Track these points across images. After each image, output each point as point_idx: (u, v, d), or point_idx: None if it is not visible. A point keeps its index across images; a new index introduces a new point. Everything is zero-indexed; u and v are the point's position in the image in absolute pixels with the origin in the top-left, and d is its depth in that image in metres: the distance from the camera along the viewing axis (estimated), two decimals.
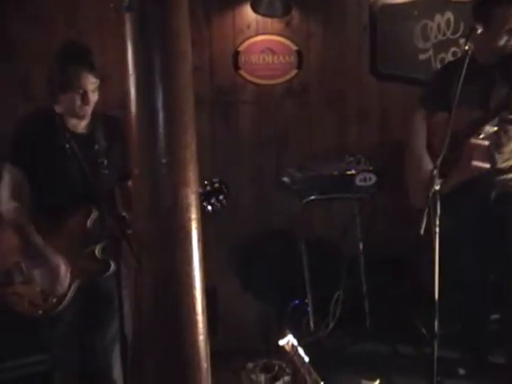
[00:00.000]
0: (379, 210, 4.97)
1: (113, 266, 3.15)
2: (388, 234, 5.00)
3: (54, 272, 3.07)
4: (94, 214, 3.14)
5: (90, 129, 3.24)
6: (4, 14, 4.54)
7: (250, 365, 4.56)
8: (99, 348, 3.31)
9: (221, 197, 3.33)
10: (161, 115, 2.58)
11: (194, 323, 2.70)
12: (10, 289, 3.12)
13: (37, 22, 4.61)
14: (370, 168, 4.71)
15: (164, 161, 2.57)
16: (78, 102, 3.10)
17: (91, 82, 3.09)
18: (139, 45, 2.61)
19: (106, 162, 3.14)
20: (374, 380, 3.84)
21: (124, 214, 3.21)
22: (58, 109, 3.17)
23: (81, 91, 3.08)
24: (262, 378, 4.40)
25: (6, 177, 3.16)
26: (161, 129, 2.58)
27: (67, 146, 3.11)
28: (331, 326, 4.66)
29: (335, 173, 4.70)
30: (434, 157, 3.67)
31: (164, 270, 2.63)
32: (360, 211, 4.83)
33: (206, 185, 3.34)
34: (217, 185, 3.33)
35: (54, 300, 3.12)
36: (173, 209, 2.58)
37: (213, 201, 3.31)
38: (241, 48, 4.99)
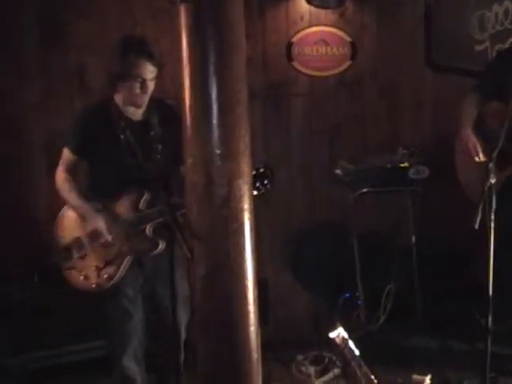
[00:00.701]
0: (432, 203, 4.91)
1: (161, 246, 3.26)
2: (441, 227, 4.93)
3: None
4: (147, 196, 3.26)
5: (147, 116, 3.36)
6: (60, 6, 4.62)
7: (300, 357, 4.57)
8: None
9: (265, 181, 3.36)
10: (215, 106, 2.60)
11: (246, 314, 2.72)
12: (68, 263, 3.34)
13: (92, 13, 4.68)
14: (424, 161, 4.65)
15: (218, 151, 2.59)
16: (137, 91, 3.23)
17: (150, 71, 3.21)
18: (194, 36, 2.62)
19: (160, 148, 3.27)
20: (426, 375, 3.80)
21: (179, 201, 3.27)
22: (117, 98, 3.31)
23: (139, 80, 3.20)
24: (312, 370, 4.40)
25: (63, 160, 3.39)
26: (215, 120, 2.60)
27: (122, 134, 3.25)
28: (382, 319, 4.63)
29: (388, 165, 4.65)
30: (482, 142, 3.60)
31: (216, 260, 2.64)
32: (413, 204, 4.77)
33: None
34: (262, 169, 3.37)
35: (106, 276, 3.29)
36: (226, 199, 2.60)
37: (258, 184, 3.34)
38: (294, 39, 4.98)
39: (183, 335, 3.46)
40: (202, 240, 2.63)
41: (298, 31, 4.98)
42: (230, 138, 2.61)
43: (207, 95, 2.59)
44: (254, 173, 3.29)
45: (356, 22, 5.08)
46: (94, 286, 3.34)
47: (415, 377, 3.81)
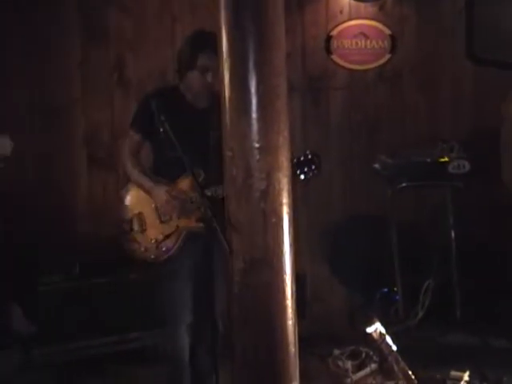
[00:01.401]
0: (473, 198, 4.85)
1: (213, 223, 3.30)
2: (481, 222, 4.88)
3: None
4: (202, 177, 3.41)
5: (209, 104, 3.49)
6: (100, 0, 4.66)
7: (337, 351, 4.56)
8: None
9: (313, 166, 3.49)
10: (254, 100, 2.60)
11: (284, 308, 2.72)
12: (130, 235, 3.54)
13: (131, 8, 4.72)
14: (464, 155, 4.60)
15: (257, 145, 2.59)
16: (202, 80, 3.44)
17: (213, 61, 3.28)
18: (233, 30, 2.63)
19: (217, 135, 3.29)
20: (464, 371, 3.78)
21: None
22: (183, 86, 3.55)
23: (206, 70, 3.42)
24: (349, 364, 4.39)
25: (128, 140, 3.63)
26: (254, 114, 2.60)
27: (184, 120, 3.45)
28: (420, 315, 4.60)
29: (427, 160, 4.61)
30: None
31: (255, 253, 2.65)
32: (452, 199, 4.73)
33: (299, 155, 3.53)
34: (309, 156, 3.49)
35: (164, 248, 3.49)
36: (265, 193, 2.60)
37: (305, 169, 3.47)
38: (333, 33, 4.96)
39: (220, 328, 3.49)
40: (241, 233, 2.64)
41: (338, 25, 4.97)
42: (269, 132, 2.61)
43: (246, 89, 2.60)
44: (301, 158, 3.48)
45: (395, 15, 5.04)
46: (152, 257, 3.53)
47: (453, 373, 3.79)
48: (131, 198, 3.62)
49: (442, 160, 4.57)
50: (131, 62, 4.73)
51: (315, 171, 3.49)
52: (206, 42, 3.38)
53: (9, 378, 4.22)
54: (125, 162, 3.63)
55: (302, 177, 3.49)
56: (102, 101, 4.72)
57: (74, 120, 4.70)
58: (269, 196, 2.61)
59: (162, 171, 3.55)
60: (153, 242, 3.50)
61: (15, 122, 4.57)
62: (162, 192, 3.46)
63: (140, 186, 3.56)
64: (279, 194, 2.64)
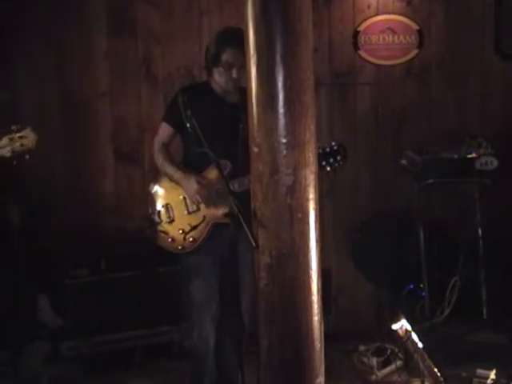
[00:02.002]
0: (500, 195, 4.80)
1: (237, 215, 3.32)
2: (509, 219, 4.83)
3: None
4: (229, 169, 3.48)
5: (239, 99, 3.48)
6: None
7: (362, 347, 4.57)
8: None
9: (338, 157, 3.52)
10: (281, 95, 2.60)
11: (310, 303, 2.72)
12: (158, 227, 3.63)
13: (159, 3, 4.73)
14: (492, 152, 4.55)
15: (283, 140, 2.59)
16: (228, 76, 3.51)
17: (238, 57, 3.42)
18: (261, 25, 2.63)
19: (245, 129, 3.33)
20: (491, 370, 3.74)
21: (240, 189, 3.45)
22: (213, 81, 3.62)
23: (230, 66, 3.49)
24: (374, 361, 4.39)
25: (159, 133, 3.72)
26: (281, 109, 2.60)
27: (214, 114, 3.54)
28: (446, 312, 4.55)
29: (455, 156, 4.57)
30: None
31: (281, 249, 2.65)
32: (480, 196, 4.68)
33: (325, 146, 3.57)
34: (336, 147, 3.53)
35: (191, 239, 3.57)
36: (291, 188, 2.60)
37: (331, 161, 3.50)
38: (360, 28, 4.93)
39: (246, 322, 3.50)
40: (267, 229, 2.64)
41: (365, 20, 4.93)
42: (296, 127, 2.61)
43: (273, 84, 2.60)
44: (327, 149, 3.51)
45: (424, 10, 5.00)
46: (179, 247, 3.61)
47: (480, 371, 3.75)
48: (159, 190, 3.69)
49: (470, 156, 4.53)
50: (158, 56, 4.74)
51: (341, 162, 3.53)
52: (230, 38, 3.46)
53: (37, 369, 4.27)
54: (155, 154, 3.71)
55: (328, 168, 3.52)
56: (129, 95, 4.74)
57: (101, 114, 4.72)
58: (295, 191, 2.61)
59: (191, 164, 3.62)
60: (180, 232, 3.58)
61: (43, 116, 4.61)
62: (191, 182, 3.53)
63: (170, 178, 3.63)
64: (306, 190, 2.64)
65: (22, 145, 3.09)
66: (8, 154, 3.09)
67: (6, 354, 4.31)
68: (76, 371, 4.27)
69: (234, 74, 3.49)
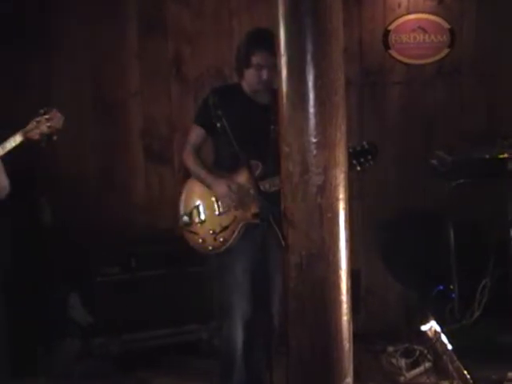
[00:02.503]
0: None
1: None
2: None
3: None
4: (260, 169, 3.50)
5: (271, 100, 3.51)
6: None
7: (391, 348, 4.54)
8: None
9: (369, 157, 3.53)
10: (311, 95, 2.60)
11: (339, 303, 2.72)
12: (189, 227, 3.65)
13: (189, 3, 4.75)
14: None
15: (314, 140, 2.59)
16: (258, 78, 3.53)
17: (267, 59, 3.44)
18: (291, 25, 2.63)
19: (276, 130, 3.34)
20: None
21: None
22: (244, 83, 3.66)
23: (260, 68, 3.51)
24: (403, 362, 4.37)
25: (191, 135, 3.74)
26: (311, 108, 2.60)
27: (245, 115, 3.55)
28: (476, 314, 4.52)
29: (486, 156, 4.52)
30: None
31: (311, 248, 2.65)
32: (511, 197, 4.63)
33: (356, 145, 3.57)
34: (366, 146, 3.53)
35: (221, 239, 3.58)
36: (321, 188, 2.60)
37: (362, 160, 3.51)
38: (391, 27, 4.90)
39: (276, 322, 3.51)
40: (297, 228, 2.64)
41: (396, 18, 4.91)
42: (327, 127, 2.60)
43: (304, 84, 2.60)
44: (358, 148, 3.51)
45: (455, 9, 4.96)
46: (210, 248, 3.63)
47: (511, 374, 3.72)
48: (191, 190, 3.71)
49: (501, 157, 4.48)
50: (189, 57, 4.76)
51: (371, 162, 3.54)
52: (260, 40, 3.47)
53: (68, 366, 4.32)
54: (186, 157, 3.73)
55: (358, 167, 3.52)
56: (160, 95, 4.76)
57: (132, 114, 4.76)
58: (325, 191, 2.61)
59: (222, 165, 3.64)
60: (211, 233, 3.59)
61: (75, 116, 4.65)
62: (221, 186, 3.54)
63: (201, 181, 3.65)
64: (336, 190, 2.64)
65: (49, 126, 3.14)
66: (36, 137, 3.15)
67: (39, 350, 4.38)
68: (106, 368, 4.32)
69: (265, 75, 3.50)
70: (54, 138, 3.15)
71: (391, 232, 4.98)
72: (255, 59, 3.50)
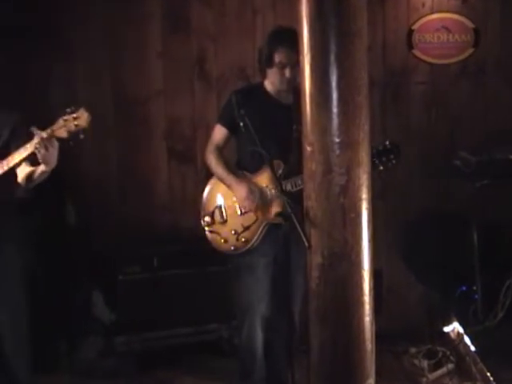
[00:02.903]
0: None
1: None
2: None
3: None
4: (282, 168, 3.49)
5: (294, 99, 3.50)
6: None
7: (413, 349, 4.52)
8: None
9: (391, 156, 3.51)
10: (335, 94, 2.60)
11: (361, 303, 2.71)
12: (211, 227, 3.68)
13: (213, 1, 4.76)
14: None
15: (337, 140, 2.59)
16: (281, 76, 3.53)
17: (290, 57, 3.45)
18: (315, 24, 2.63)
19: (299, 129, 3.32)
20: None
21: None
22: (267, 82, 3.66)
23: (283, 66, 3.51)
24: (425, 364, 4.34)
25: (214, 135, 3.74)
26: (334, 108, 2.60)
27: (268, 114, 3.55)
28: (500, 316, 4.48)
29: (510, 157, 4.49)
30: None
31: (333, 248, 2.65)
32: None
33: (378, 144, 3.55)
34: (389, 145, 3.51)
35: (243, 239, 3.60)
36: (344, 188, 2.60)
37: (384, 159, 3.49)
38: (415, 26, 4.88)
39: (297, 322, 3.51)
40: (320, 228, 2.64)
41: (419, 18, 4.88)
42: (350, 127, 2.60)
43: (327, 83, 2.60)
44: (380, 148, 3.50)
45: (479, 8, 4.92)
46: (232, 248, 3.64)
47: None
48: (213, 191, 3.72)
49: None
50: (212, 55, 4.77)
51: (394, 161, 3.52)
52: (282, 38, 3.47)
53: (91, 363, 4.35)
54: (208, 156, 3.73)
55: (381, 167, 3.50)
56: (183, 94, 4.77)
57: (155, 113, 4.77)
58: (348, 191, 2.61)
59: (245, 164, 3.66)
60: (233, 233, 3.60)
61: (98, 115, 4.67)
62: (242, 187, 3.54)
63: (222, 181, 3.65)
64: (359, 190, 2.63)
65: (76, 125, 3.13)
66: (64, 135, 3.13)
67: (63, 347, 4.41)
68: (128, 366, 4.34)
69: (288, 73, 3.50)
70: (81, 136, 3.16)
71: (414, 232, 4.95)
72: (277, 57, 3.49)
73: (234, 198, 3.61)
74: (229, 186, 3.62)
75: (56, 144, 3.15)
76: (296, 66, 3.40)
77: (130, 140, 4.78)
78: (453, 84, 4.96)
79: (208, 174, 3.85)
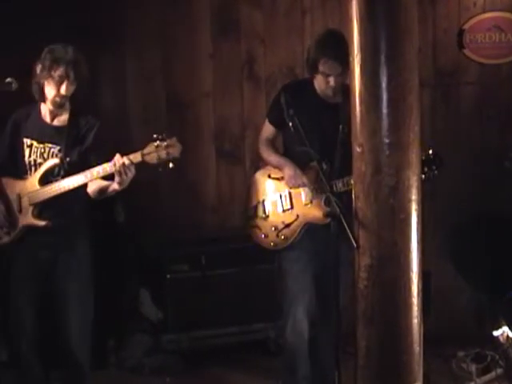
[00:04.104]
0: None
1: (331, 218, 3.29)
2: None
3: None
4: (326, 169, 3.38)
5: (342, 99, 3.49)
6: None
7: (461, 353, 4.46)
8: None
9: (434, 167, 3.44)
10: (385, 95, 2.58)
11: (409, 305, 2.70)
12: (253, 221, 3.70)
13: (262, 2, 4.78)
14: None
15: (387, 141, 2.58)
16: (326, 84, 3.53)
17: (333, 68, 3.44)
18: (365, 24, 2.62)
19: (345, 129, 3.33)
20: None
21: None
22: (315, 82, 3.62)
23: (327, 75, 3.49)
24: (473, 368, 4.29)
25: (264, 130, 3.78)
26: (384, 109, 2.59)
27: (315, 113, 3.54)
28: None
29: None
30: None
31: (382, 250, 2.64)
32: None
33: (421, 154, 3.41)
34: (431, 156, 3.44)
35: (283, 236, 3.61)
36: (394, 189, 2.58)
37: (426, 170, 3.41)
38: (466, 26, 4.83)
39: (342, 321, 3.49)
40: (369, 229, 2.63)
41: (471, 17, 4.83)
42: (400, 128, 2.59)
43: (377, 84, 2.59)
44: (423, 157, 3.36)
45: None
46: (272, 244, 3.65)
47: None
48: (257, 185, 3.75)
49: None
50: (261, 56, 4.79)
51: (436, 172, 3.46)
52: (328, 47, 3.45)
53: (139, 360, 4.40)
54: (260, 147, 3.80)
55: (423, 176, 3.36)
56: (232, 94, 4.80)
57: (205, 113, 4.81)
58: (398, 192, 2.59)
59: (292, 155, 3.65)
60: (273, 229, 3.62)
61: (149, 116, 4.74)
62: (291, 166, 3.58)
63: (272, 164, 3.71)
64: (408, 191, 2.62)
65: (167, 153, 3.11)
66: (153, 161, 3.13)
67: (111, 344, 4.47)
68: (175, 364, 4.38)
69: (332, 81, 3.49)
70: (171, 165, 3.16)
71: (463, 234, 4.90)
72: (321, 67, 3.48)
73: (277, 195, 3.64)
74: (279, 167, 3.66)
75: (134, 170, 3.17)
76: (341, 75, 3.47)
77: (180, 140, 4.79)
78: (504, 84, 4.90)
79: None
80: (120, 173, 3.14)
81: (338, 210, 2.84)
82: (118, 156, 3.15)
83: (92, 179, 3.25)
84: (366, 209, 2.65)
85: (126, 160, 3.14)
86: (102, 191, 3.34)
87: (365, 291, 2.70)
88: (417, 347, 2.75)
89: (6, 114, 3.45)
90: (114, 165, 3.15)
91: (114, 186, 3.25)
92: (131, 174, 3.17)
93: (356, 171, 2.70)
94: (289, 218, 3.61)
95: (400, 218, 2.60)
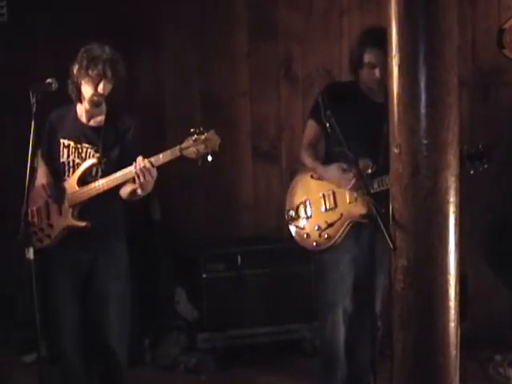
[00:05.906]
0: None
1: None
2: None
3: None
4: (372, 168, 3.44)
5: (384, 98, 3.43)
6: None
7: (498, 357, 4.42)
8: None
9: (484, 160, 3.38)
10: (423, 96, 2.57)
11: (446, 308, 2.67)
12: (295, 222, 3.67)
13: (299, 4, 4.78)
14: None
15: (425, 142, 2.56)
16: (372, 76, 3.49)
17: (379, 57, 3.39)
18: (404, 24, 2.60)
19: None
20: None
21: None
22: (360, 82, 3.60)
23: (372, 66, 3.46)
24: (511, 372, 4.25)
25: (306, 130, 3.74)
26: (423, 109, 2.57)
27: (359, 112, 3.51)
28: None
29: None
30: None
31: (419, 252, 2.62)
32: None
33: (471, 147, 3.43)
34: (482, 149, 3.39)
35: (326, 236, 3.56)
36: (431, 191, 2.56)
37: (476, 162, 3.36)
38: (506, 26, 4.76)
39: (379, 323, 3.49)
40: (406, 231, 2.61)
41: (511, 17, 4.76)
42: (439, 128, 2.57)
43: (416, 85, 2.57)
44: (473, 151, 3.37)
45: None
46: (314, 244, 3.60)
47: None
48: (299, 185, 3.73)
49: None
50: (298, 57, 4.79)
51: (486, 165, 3.39)
52: (371, 38, 3.44)
53: (175, 359, 4.43)
54: (300, 151, 3.74)
55: (472, 171, 3.38)
56: (269, 94, 4.81)
57: (241, 113, 4.83)
58: (435, 194, 2.58)
59: (334, 160, 3.60)
60: (316, 229, 3.59)
61: (185, 115, 4.77)
62: (332, 170, 3.53)
63: (314, 171, 3.65)
64: (446, 192, 2.60)
65: (206, 147, 3.11)
66: (192, 155, 3.13)
67: (147, 342, 4.51)
68: (210, 363, 4.40)
69: (377, 73, 3.45)
70: (209, 158, 3.16)
71: (501, 236, 4.84)
72: (367, 57, 3.46)
73: (320, 194, 3.61)
74: (321, 174, 3.61)
75: (155, 173, 3.18)
76: (386, 66, 3.43)
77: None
78: None
79: (293, 175, 3.87)
80: (139, 176, 3.15)
81: (374, 211, 2.83)
82: (139, 159, 3.17)
83: (112, 185, 3.27)
84: (403, 210, 2.63)
85: (146, 163, 3.15)
86: (132, 194, 3.36)
87: (401, 293, 2.68)
88: (453, 350, 2.73)
89: (45, 115, 3.48)
90: (135, 167, 3.16)
91: (138, 190, 3.27)
92: (150, 177, 3.17)
93: (393, 172, 2.69)
94: (332, 217, 3.57)
95: (437, 220, 2.58)
